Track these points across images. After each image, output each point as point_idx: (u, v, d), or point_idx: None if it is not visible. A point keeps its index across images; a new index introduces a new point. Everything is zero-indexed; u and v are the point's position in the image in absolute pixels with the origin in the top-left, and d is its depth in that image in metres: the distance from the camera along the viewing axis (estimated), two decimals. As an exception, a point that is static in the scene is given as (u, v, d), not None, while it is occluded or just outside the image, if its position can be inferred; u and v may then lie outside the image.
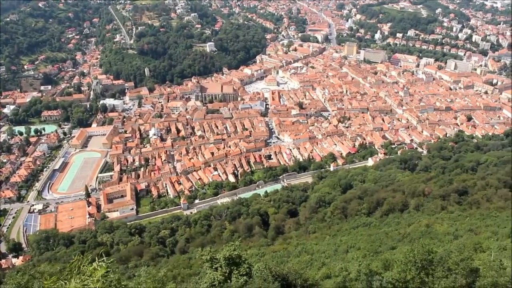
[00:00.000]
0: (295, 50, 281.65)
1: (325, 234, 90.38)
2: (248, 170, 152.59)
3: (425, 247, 27.08)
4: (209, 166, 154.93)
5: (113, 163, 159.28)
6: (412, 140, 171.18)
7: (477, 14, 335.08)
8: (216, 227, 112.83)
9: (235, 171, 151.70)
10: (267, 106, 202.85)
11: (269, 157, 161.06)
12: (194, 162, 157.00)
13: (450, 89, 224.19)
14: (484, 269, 26.95)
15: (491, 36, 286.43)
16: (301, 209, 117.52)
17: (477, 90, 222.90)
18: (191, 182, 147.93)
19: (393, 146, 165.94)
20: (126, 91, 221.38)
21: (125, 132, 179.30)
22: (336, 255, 68.50)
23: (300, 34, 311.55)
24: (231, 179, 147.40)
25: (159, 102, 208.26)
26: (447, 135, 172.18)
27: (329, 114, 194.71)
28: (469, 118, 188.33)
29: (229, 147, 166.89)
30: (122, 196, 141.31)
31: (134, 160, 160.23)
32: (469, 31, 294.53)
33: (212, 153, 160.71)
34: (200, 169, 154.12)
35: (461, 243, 60.14)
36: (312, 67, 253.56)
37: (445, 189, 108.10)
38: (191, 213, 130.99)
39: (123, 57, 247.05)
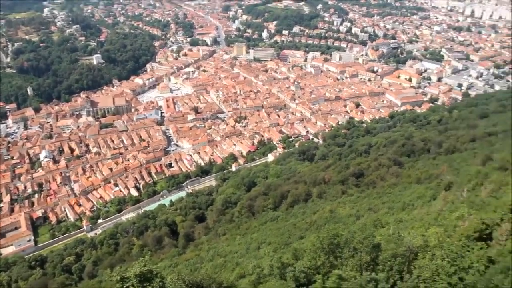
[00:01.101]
0: (185, 55, 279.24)
1: (235, 235, 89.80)
2: (150, 182, 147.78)
3: (330, 232, 27.20)
4: (109, 182, 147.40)
5: (1, 193, 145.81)
6: (307, 131, 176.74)
7: (354, 8, 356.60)
8: (124, 244, 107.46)
9: (137, 184, 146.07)
10: (163, 114, 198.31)
11: (170, 165, 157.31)
12: (92, 181, 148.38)
13: (338, 79, 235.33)
14: (385, 243, 27.61)
15: (368, 28, 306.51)
16: (208, 213, 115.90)
17: (361, 78, 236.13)
18: (92, 201, 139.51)
19: (290, 139, 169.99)
20: (8, 113, 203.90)
21: (12, 158, 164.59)
22: (249, 253, 68.15)
23: (189, 39, 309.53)
24: (134, 193, 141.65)
25: (48, 122, 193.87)
26: (339, 123, 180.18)
27: (225, 115, 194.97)
28: (357, 105, 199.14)
29: (128, 160, 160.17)
30: (16, 228, 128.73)
31: (26, 187, 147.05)
32: (348, 24, 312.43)
33: (111, 169, 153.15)
34: (100, 187, 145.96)
35: (363, 222, 62.65)
36: (204, 71, 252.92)
37: (343, 174, 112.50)
38: (96, 234, 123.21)
39: (0, 78, 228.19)
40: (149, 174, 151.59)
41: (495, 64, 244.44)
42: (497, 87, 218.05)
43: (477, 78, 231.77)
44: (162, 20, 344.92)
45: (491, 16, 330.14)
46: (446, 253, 24.30)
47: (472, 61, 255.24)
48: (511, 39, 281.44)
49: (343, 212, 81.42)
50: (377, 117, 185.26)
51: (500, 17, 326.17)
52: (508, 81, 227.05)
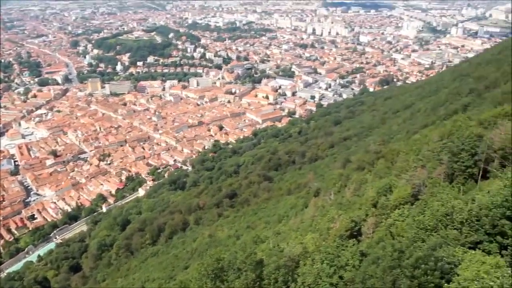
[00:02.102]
0: (35, 96, 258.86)
1: (116, 278, 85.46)
2: (11, 239, 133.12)
3: (212, 257, 26.76)
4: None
5: None
6: (175, 160, 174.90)
7: (205, 34, 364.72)
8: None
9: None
10: (16, 163, 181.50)
11: (32, 217, 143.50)
12: None
13: (198, 104, 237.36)
14: (267, 257, 27.86)
15: (221, 52, 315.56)
16: (83, 261, 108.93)
17: (221, 101, 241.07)
18: None
19: (159, 170, 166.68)
20: None
21: None
22: (133, 295, 65.30)
23: (36, 79, 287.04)
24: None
25: None
26: (206, 148, 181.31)
27: (88, 155, 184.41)
28: (221, 128, 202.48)
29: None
30: None
31: None
32: (202, 50, 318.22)
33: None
34: None
35: (243, 241, 63.38)
36: (59, 111, 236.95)
37: (217, 197, 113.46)
38: None
39: None
40: (9, 230, 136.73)
41: (340, 75, 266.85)
42: (344, 96, 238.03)
43: (326, 89, 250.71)
44: (3, 60, 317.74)
45: (329, 32, 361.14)
46: (324, 256, 25.41)
47: (320, 74, 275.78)
48: (349, 52, 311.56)
49: (222, 234, 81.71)
50: (241, 137, 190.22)
51: (337, 33, 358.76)
52: (352, 89, 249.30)
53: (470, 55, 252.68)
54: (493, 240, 21.47)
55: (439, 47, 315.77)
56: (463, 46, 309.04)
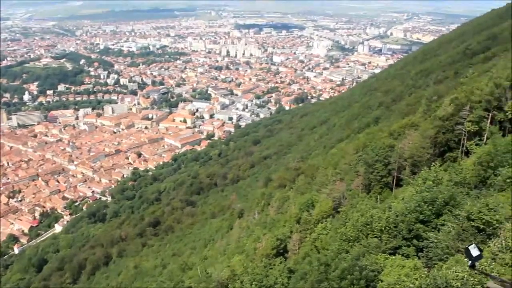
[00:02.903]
0: None
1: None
2: None
3: None
4: None
5: None
6: (93, 191, 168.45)
7: (118, 60, 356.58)
8: None
9: None
10: None
11: None
12: None
13: (114, 132, 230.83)
14: (195, 284, 27.56)
15: (136, 77, 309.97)
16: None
17: (138, 128, 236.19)
18: None
19: (76, 203, 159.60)
20: None
21: None
22: None
23: None
24: None
25: None
26: (125, 176, 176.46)
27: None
28: (139, 155, 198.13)
29: None
30: None
31: None
32: (116, 76, 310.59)
33: None
34: None
35: (170, 270, 62.12)
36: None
37: (139, 227, 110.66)
38: None
39: None
40: None
41: (255, 95, 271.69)
42: (262, 115, 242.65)
43: (243, 110, 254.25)
44: None
45: (243, 54, 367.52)
46: (252, 277, 25.69)
47: (237, 95, 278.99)
48: (264, 72, 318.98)
49: (148, 265, 79.79)
50: (161, 163, 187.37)
51: (251, 54, 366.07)
52: (269, 108, 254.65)
53: (377, 70, 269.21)
54: (410, 244, 23.00)
55: (348, 64, 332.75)
56: (369, 62, 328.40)
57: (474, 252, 8.82)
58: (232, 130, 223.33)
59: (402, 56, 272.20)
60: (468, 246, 9.03)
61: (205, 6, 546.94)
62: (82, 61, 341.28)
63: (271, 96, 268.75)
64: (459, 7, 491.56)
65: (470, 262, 9.03)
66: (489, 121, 37.63)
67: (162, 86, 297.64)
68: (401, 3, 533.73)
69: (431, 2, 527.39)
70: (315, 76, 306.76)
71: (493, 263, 15.55)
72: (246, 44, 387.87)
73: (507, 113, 35.67)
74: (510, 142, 28.40)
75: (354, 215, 26.77)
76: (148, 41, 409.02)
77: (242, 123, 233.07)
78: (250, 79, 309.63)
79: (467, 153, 37.72)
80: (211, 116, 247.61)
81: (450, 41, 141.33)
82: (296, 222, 40.46)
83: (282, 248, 36.12)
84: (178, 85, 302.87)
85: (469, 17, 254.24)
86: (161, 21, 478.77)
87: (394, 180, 39.66)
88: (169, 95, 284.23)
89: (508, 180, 22.79)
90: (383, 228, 23.91)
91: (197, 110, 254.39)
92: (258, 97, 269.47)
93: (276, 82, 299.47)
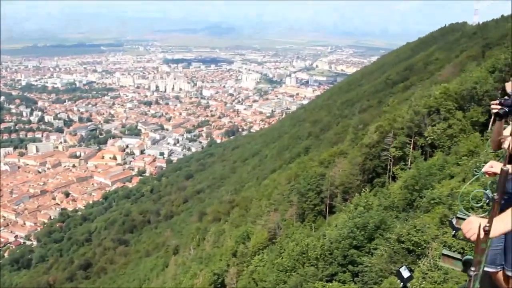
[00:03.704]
0: None
1: None
2: None
3: None
4: None
5: None
6: (16, 236, 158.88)
7: (42, 96, 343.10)
8: None
9: None
10: None
11: None
12: None
13: (39, 172, 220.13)
14: None
15: (62, 114, 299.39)
16: None
17: (65, 166, 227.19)
18: None
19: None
20: None
21: None
22: None
23: None
24: None
25: None
26: (52, 218, 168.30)
27: None
28: (67, 194, 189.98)
29: None
30: None
31: None
32: (39, 113, 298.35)
33: None
34: None
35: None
36: None
37: (69, 271, 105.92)
38: None
39: None
40: None
41: (186, 129, 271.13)
42: (193, 149, 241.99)
43: (175, 144, 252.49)
44: None
45: (173, 88, 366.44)
46: None
47: (167, 130, 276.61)
48: (194, 106, 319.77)
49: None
50: (91, 202, 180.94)
51: (181, 89, 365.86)
52: (200, 142, 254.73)
53: (305, 102, 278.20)
54: (346, 269, 24.08)
55: (277, 96, 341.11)
56: (297, 94, 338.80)
57: (405, 273, 9.10)
58: (164, 165, 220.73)
59: (328, 87, 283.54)
60: (399, 268, 9.45)
61: (132, 41, 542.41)
62: (2, 98, 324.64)
63: (202, 130, 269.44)
64: (378, 41, 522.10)
65: (402, 284, 9.34)
66: (411, 146, 40.56)
67: (90, 123, 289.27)
68: (325, 36, 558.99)
69: (353, 36, 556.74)
70: (245, 109, 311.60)
71: (424, 282, 16.81)
72: (175, 79, 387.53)
73: (427, 138, 38.75)
74: (432, 165, 30.80)
75: (289, 244, 27.59)
76: (74, 77, 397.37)
77: (174, 158, 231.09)
78: (181, 114, 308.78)
79: (394, 178, 40.18)
80: (142, 152, 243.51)
81: (372, 72, 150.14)
82: (233, 256, 40.80)
83: (219, 283, 36.24)
84: (107, 121, 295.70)
85: (388, 49, 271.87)
86: (87, 57, 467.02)
87: (327, 207, 41.29)
88: (97, 131, 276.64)
89: (432, 202, 24.55)
90: (318, 256, 24.83)
91: (127, 146, 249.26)
92: (189, 131, 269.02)
93: (207, 116, 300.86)
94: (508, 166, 3.37)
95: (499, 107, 3.88)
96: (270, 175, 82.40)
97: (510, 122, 4.19)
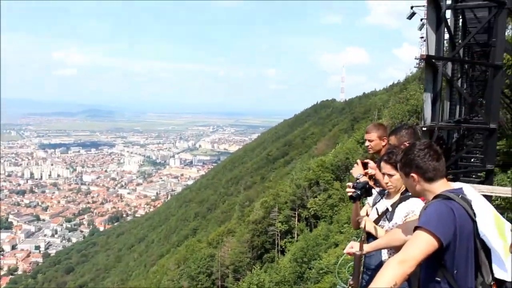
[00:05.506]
0: None
1: None
2: None
3: None
4: None
5: None
6: None
7: None
8: None
9: None
10: None
11: None
12: None
13: None
14: None
15: None
16: None
17: None
18: None
19: None
20: None
21: None
22: None
23: None
24: None
25: None
26: None
27: None
28: None
29: None
30: None
31: None
32: None
33: None
34: None
35: None
36: None
37: None
38: None
39: None
40: None
41: (66, 218, 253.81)
42: (74, 240, 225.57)
43: (53, 235, 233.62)
44: None
45: (50, 175, 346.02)
46: None
47: (44, 220, 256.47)
48: (74, 193, 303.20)
49: None
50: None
51: (59, 175, 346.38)
52: (82, 231, 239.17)
53: (190, 182, 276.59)
54: None
55: (161, 178, 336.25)
56: (182, 175, 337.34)
57: None
58: (40, 260, 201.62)
59: (212, 166, 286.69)
60: None
61: (3, 125, 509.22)
62: None
63: (83, 218, 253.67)
64: (257, 119, 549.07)
65: None
66: (296, 219, 42.06)
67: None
68: (205, 117, 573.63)
69: (232, 116, 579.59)
70: (128, 193, 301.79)
71: None
72: (52, 165, 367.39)
73: (310, 210, 40.58)
74: (317, 235, 31.87)
75: None
76: None
77: (52, 251, 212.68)
78: (59, 202, 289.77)
79: (283, 251, 40.90)
80: (14, 247, 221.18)
81: (253, 149, 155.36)
82: None
83: None
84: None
85: (267, 127, 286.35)
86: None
87: (220, 289, 40.40)
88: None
89: (320, 272, 24.99)
90: None
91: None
92: (68, 220, 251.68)
93: (88, 203, 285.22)
94: (365, 246, 3.50)
95: (352, 190, 4.12)
96: (159, 261, 79.55)
97: (366, 202, 4.57)
